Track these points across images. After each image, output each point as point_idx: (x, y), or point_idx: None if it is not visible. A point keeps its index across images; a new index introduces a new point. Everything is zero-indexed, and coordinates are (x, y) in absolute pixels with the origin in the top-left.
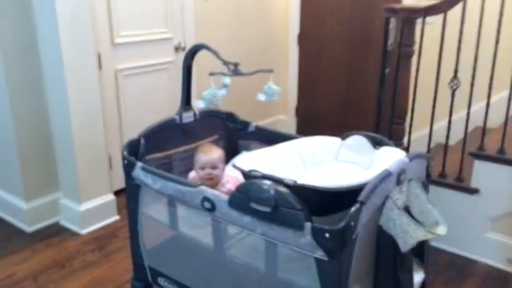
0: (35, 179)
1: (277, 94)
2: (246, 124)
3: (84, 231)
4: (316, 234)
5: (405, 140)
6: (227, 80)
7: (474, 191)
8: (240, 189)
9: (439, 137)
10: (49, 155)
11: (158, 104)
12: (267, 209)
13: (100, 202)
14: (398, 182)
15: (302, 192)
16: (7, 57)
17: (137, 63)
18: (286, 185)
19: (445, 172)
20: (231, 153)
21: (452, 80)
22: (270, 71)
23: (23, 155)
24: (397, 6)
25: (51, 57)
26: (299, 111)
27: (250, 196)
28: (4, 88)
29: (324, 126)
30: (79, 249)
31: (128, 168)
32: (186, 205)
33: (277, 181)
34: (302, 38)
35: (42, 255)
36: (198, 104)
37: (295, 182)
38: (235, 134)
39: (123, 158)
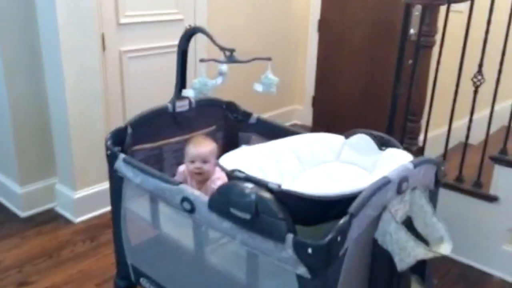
0: (31, 163)
1: (274, 84)
2: (247, 115)
3: (78, 220)
4: (298, 248)
5: (422, 138)
6: (224, 67)
7: (493, 199)
8: (220, 190)
9: (463, 135)
10: (46, 138)
11: (165, 88)
12: (246, 216)
13: (96, 190)
14: (399, 191)
15: (288, 198)
16: (3, 34)
17: (144, 45)
18: (270, 190)
19: (463, 175)
20: (230, 146)
21: (475, 76)
22: (268, 59)
23: (19, 137)
24: None
25: (48, 35)
26: (316, 101)
27: (230, 200)
28: None
29: (342, 119)
30: (70, 238)
31: (110, 158)
32: (167, 203)
33: (260, 184)
34: (323, 24)
35: (31, 243)
36: (186, 93)
37: (279, 186)
38: (235, 125)
39: (106, 148)
